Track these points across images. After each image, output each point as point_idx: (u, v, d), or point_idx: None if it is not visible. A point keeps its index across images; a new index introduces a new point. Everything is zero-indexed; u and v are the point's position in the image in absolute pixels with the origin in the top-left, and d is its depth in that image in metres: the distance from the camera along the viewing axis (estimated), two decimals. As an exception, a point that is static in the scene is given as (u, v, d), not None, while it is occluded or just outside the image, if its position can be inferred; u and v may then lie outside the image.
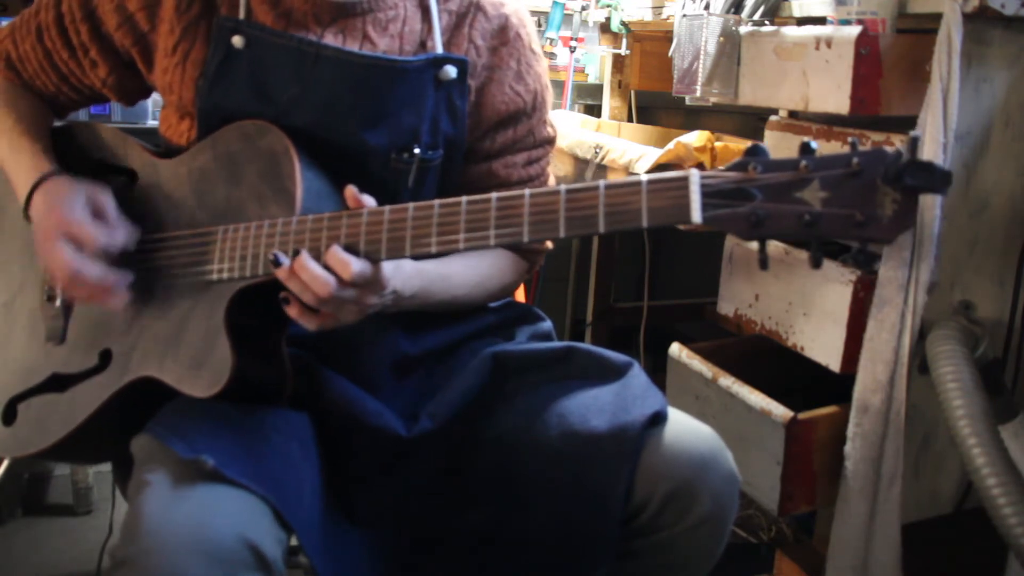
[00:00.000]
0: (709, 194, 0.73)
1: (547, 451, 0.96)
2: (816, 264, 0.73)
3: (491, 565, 0.98)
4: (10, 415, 1.04)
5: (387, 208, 0.85)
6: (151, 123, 1.87)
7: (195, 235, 0.96)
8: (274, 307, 0.91)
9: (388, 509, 0.98)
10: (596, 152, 1.84)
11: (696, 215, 0.72)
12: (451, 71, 1.02)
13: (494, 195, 0.81)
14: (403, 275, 0.93)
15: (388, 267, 0.88)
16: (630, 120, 2.32)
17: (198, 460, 0.82)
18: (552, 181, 1.18)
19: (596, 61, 2.51)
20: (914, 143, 0.69)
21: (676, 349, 1.53)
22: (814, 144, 0.71)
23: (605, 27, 2.20)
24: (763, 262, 0.74)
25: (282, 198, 0.91)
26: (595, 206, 0.76)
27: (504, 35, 1.08)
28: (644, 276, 2.36)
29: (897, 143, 1.21)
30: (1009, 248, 1.29)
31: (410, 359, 1.07)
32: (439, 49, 1.04)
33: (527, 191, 0.80)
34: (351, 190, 0.86)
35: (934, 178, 0.67)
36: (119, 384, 0.96)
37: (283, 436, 0.92)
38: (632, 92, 2.30)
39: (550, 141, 1.15)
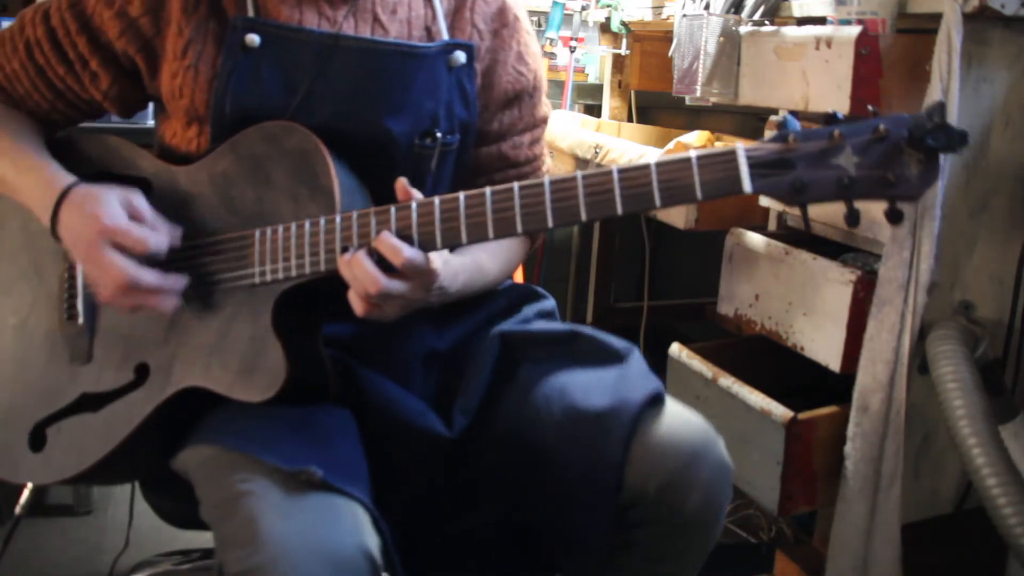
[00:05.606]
0: (755, 165, 0.77)
1: (549, 426, 0.97)
2: (854, 222, 0.77)
3: (494, 550, 1.00)
4: (39, 441, 0.99)
5: (437, 198, 0.86)
6: (151, 123, 1.86)
7: (229, 240, 0.95)
8: (312, 307, 0.91)
9: (412, 503, 0.99)
10: (596, 152, 1.84)
11: (747, 185, 0.77)
12: (461, 56, 1.03)
13: (547, 178, 0.83)
14: (450, 271, 0.94)
15: (437, 261, 0.88)
16: (630, 120, 2.32)
17: (307, 471, 0.83)
18: (549, 161, 1.21)
19: (596, 61, 2.51)
20: (941, 108, 0.74)
21: (676, 349, 1.53)
22: (839, 114, 0.77)
23: (605, 27, 2.20)
24: (807, 225, 0.81)
25: (320, 196, 0.91)
26: (648, 184, 0.79)
27: (504, 17, 1.10)
28: (644, 276, 2.36)
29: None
30: (1009, 248, 1.29)
31: (437, 354, 1.08)
32: (444, 34, 1.05)
33: (579, 172, 0.82)
34: (402, 182, 0.87)
35: (952, 138, 0.74)
36: (162, 397, 0.94)
37: (347, 440, 0.93)
38: (632, 92, 2.31)
39: (546, 120, 1.18)
